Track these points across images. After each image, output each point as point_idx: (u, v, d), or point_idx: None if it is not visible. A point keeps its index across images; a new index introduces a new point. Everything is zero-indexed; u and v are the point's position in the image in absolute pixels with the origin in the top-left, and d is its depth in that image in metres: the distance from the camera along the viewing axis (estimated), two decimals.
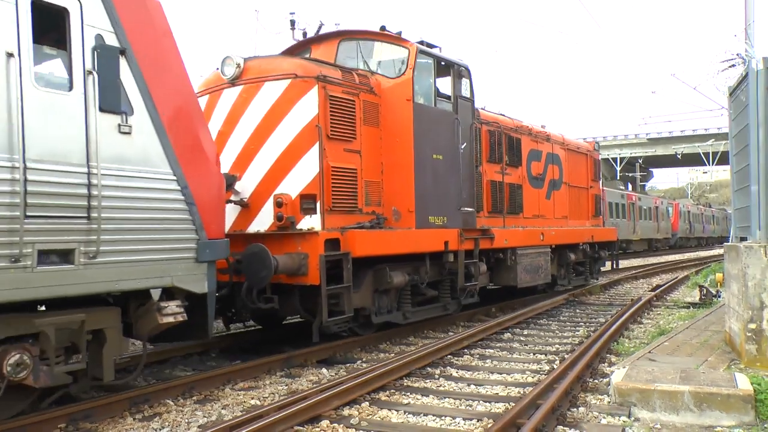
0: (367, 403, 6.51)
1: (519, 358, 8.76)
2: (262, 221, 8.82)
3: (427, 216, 10.27)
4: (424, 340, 10.21)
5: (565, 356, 8.40)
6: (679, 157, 60.81)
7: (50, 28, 5.75)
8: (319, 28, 9.82)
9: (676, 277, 21.20)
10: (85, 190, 5.63)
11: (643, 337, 10.10)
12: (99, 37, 5.87)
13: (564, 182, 16.03)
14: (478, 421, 5.93)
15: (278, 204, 8.69)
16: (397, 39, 10.56)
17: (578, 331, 10.88)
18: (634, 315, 12.00)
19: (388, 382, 7.14)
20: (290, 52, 11.04)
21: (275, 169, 8.89)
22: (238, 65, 8.99)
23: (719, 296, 13.66)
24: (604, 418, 5.90)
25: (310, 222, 8.67)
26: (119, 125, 5.97)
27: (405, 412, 6.22)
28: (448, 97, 11.09)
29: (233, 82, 9.07)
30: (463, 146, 11.14)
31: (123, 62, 6.03)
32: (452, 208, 10.86)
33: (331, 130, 9.03)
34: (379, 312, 9.69)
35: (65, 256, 5.50)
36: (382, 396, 6.82)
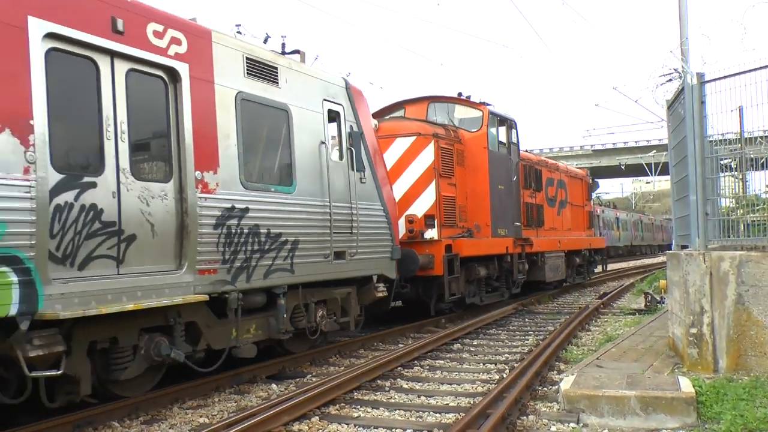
0: (317, 417, 6.45)
1: (469, 369, 8.80)
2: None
3: (497, 228, 14.59)
4: (374, 352, 10.19)
5: (515, 365, 8.46)
6: (623, 167, 62.29)
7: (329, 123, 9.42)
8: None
9: (623, 285, 21.67)
10: (350, 216, 9.47)
11: (591, 344, 10.26)
12: (351, 127, 9.76)
13: (568, 202, 20.55)
14: None
15: (410, 221, 12.55)
16: (473, 104, 14.92)
17: (527, 339, 10.99)
18: (582, 323, 12.19)
19: (338, 395, 7.09)
20: (389, 109, 15.09)
21: (406, 197, 12.84)
22: (375, 125, 11.70)
23: (663, 302, 13.99)
24: (553, 425, 5.96)
25: (432, 233, 12.73)
26: (360, 178, 9.88)
27: (355, 426, 6.18)
28: (504, 143, 15.40)
29: None
30: (514, 179, 15.62)
31: (360, 140, 9.89)
32: (510, 222, 15.18)
33: (442, 170, 13.26)
34: (469, 296, 13.62)
35: (342, 255, 9.28)
36: (332, 410, 6.76)
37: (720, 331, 7.13)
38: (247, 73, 7.91)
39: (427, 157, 13.00)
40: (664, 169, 53.98)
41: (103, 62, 6.35)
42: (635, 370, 7.25)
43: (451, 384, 7.85)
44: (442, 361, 9.34)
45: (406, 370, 8.70)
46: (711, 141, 7.84)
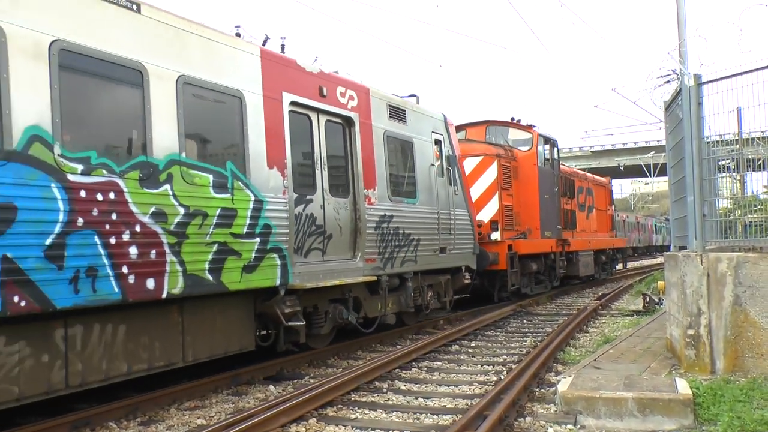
0: (315, 419, 6.44)
1: (467, 370, 8.79)
2: None
3: (544, 231, 17.61)
4: (372, 353, 10.18)
5: (513, 367, 8.45)
6: (622, 168, 62.10)
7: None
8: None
9: (621, 286, 21.67)
10: (449, 220, 12.38)
11: (589, 346, 10.26)
12: (448, 151, 12.69)
13: (594, 207, 23.94)
14: None
15: (478, 225, 14.47)
16: (524, 127, 18.25)
17: (525, 341, 10.99)
18: (580, 324, 12.19)
19: (335, 397, 7.09)
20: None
21: (475, 206, 14.55)
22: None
23: (662, 304, 13.96)
24: (550, 426, 5.95)
25: (496, 235, 15.65)
26: (455, 191, 12.74)
27: (353, 427, 6.18)
28: (548, 159, 18.65)
29: None
30: (555, 189, 18.82)
31: (454, 162, 12.86)
32: (553, 226, 18.37)
33: (502, 184, 16.27)
34: (523, 287, 16.54)
35: (444, 250, 12.12)
36: (330, 411, 6.76)
37: (717, 333, 7.14)
38: (389, 116, 10.92)
39: (491, 173, 16.13)
40: (662, 170, 53.68)
41: (314, 117, 9.26)
42: (633, 372, 7.26)
43: (448, 385, 7.85)
44: (440, 363, 9.34)
45: (404, 371, 8.69)
46: (708, 142, 7.84)
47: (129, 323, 6.61)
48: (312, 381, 8.16)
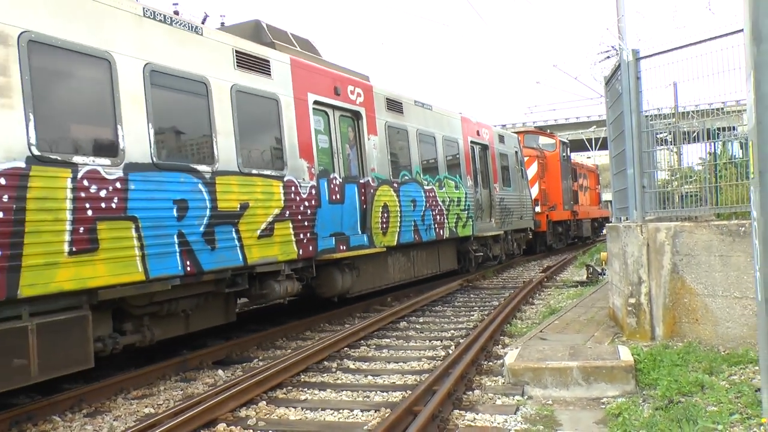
0: (265, 402, 6.39)
1: (415, 346, 8.85)
2: None
3: (564, 205, 26.10)
4: (320, 333, 10.16)
5: (461, 341, 8.54)
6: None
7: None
8: None
9: (565, 258, 22.13)
10: (524, 198, 20.90)
11: (535, 318, 10.44)
12: (520, 157, 21.14)
13: (588, 187, 33.60)
14: (375, 411, 5.94)
15: None
16: (550, 135, 27.46)
17: (473, 315, 11.12)
18: (526, 297, 12.39)
19: (285, 379, 7.05)
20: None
21: None
22: None
23: (604, 274, 14.31)
24: (498, 398, 6.05)
25: (537, 209, 23.17)
26: (524, 182, 21.31)
27: (303, 409, 6.15)
28: (565, 156, 26.95)
29: None
30: (569, 176, 27.09)
31: (523, 163, 21.53)
32: (568, 202, 26.98)
33: (540, 175, 24.50)
34: (554, 244, 25.78)
35: (522, 216, 20.48)
36: (280, 394, 6.72)
37: (657, 300, 7.35)
38: (499, 141, 18.68)
39: (534, 168, 24.13)
40: (604, 144, 54.74)
41: (475, 147, 16.93)
42: (577, 342, 7.42)
43: (397, 362, 7.89)
44: (388, 340, 9.37)
45: (352, 350, 8.70)
46: (647, 116, 8.00)
47: (424, 252, 14.10)
48: (261, 363, 8.10)
